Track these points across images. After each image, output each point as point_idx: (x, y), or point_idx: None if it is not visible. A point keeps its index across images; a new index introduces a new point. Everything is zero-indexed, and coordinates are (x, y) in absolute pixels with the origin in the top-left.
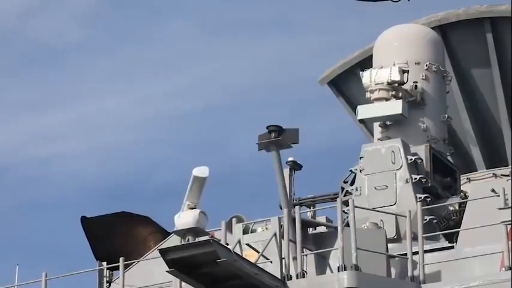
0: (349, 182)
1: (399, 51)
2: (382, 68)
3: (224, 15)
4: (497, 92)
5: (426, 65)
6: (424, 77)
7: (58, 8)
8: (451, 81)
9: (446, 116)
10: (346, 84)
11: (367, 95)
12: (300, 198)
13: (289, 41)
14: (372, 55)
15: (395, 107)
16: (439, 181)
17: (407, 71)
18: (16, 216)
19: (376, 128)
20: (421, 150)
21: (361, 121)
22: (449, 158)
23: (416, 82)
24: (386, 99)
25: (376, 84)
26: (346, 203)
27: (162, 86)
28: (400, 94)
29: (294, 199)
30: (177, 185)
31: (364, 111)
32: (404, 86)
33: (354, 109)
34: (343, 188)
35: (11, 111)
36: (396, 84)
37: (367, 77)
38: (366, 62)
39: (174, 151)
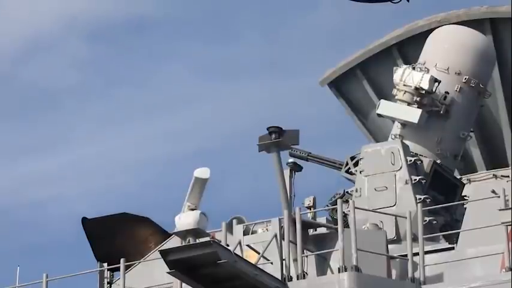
0: (354, 160)
1: (445, 55)
2: (424, 64)
3: (219, 59)
4: (497, 92)
5: (465, 78)
6: (458, 89)
7: (54, 51)
8: (489, 96)
9: (467, 133)
10: (346, 86)
11: (394, 91)
12: (310, 153)
13: (282, 82)
14: (372, 56)
15: (413, 114)
16: (433, 197)
17: (439, 82)
18: (15, 258)
19: (396, 122)
20: (425, 163)
21: (379, 115)
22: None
23: (448, 93)
24: (409, 104)
25: (404, 85)
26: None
27: (158, 128)
28: (425, 102)
29: (302, 152)
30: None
31: (385, 107)
32: (433, 95)
33: (354, 110)
34: (347, 163)
35: (9, 155)
36: (423, 92)
37: (398, 74)
38: (367, 63)
39: (171, 193)
